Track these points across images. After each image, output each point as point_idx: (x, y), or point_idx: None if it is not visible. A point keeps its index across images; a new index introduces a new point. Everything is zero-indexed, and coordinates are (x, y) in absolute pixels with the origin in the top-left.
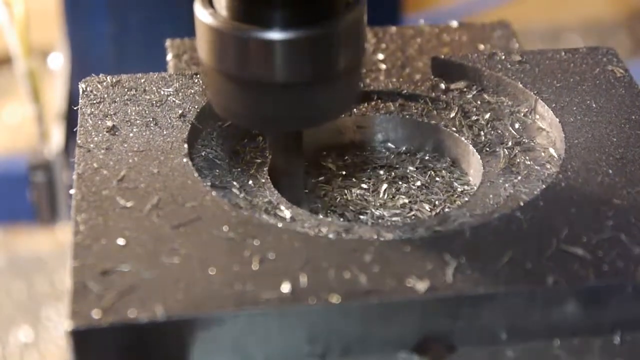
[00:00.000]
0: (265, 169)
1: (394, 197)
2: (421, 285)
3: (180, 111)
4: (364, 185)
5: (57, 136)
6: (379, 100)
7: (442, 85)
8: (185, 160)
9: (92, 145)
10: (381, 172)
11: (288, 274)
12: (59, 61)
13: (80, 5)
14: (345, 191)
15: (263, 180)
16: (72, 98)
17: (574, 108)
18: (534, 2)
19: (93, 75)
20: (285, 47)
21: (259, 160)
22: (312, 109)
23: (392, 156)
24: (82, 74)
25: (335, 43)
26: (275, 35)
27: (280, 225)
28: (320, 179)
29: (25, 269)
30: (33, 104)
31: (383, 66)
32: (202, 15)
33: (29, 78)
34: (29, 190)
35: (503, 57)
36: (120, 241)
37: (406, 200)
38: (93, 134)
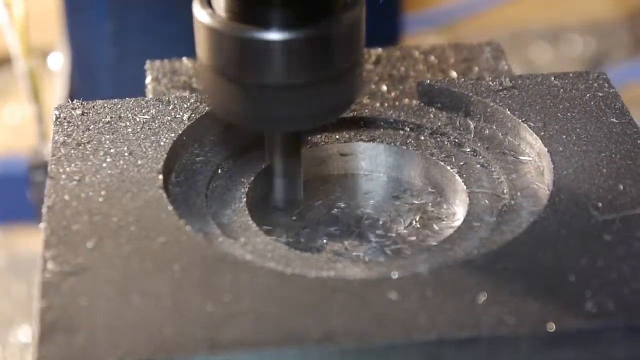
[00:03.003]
0: (244, 198)
1: (375, 228)
2: (402, 328)
3: (156, 140)
4: (346, 222)
5: None
6: (364, 127)
7: (429, 111)
8: (160, 192)
9: (63, 176)
10: (364, 200)
11: (264, 315)
12: (59, 61)
13: (80, 5)
14: (326, 218)
15: (242, 211)
16: (72, 98)
17: (564, 136)
18: (534, 2)
19: (68, 101)
20: (284, 48)
21: (237, 190)
22: (311, 109)
23: (377, 184)
24: (82, 74)
25: (334, 43)
26: (274, 35)
27: (256, 262)
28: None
29: (25, 269)
30: (33, 104)
31: (368, 90)
32: (200, 15)
33: (29, 78)
34: (29, 190)
35: (490, 81)
36: (90, 280)
37: (388, 232)
38: (65, 164)
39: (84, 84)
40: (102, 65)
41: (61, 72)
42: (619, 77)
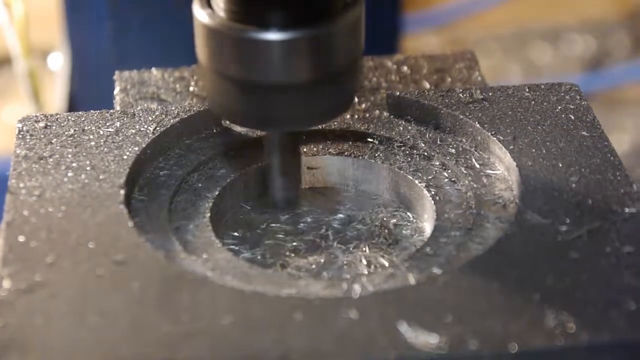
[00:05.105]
0: (207, 213)
1: (341, 243)
2: (361, 348)
3: (119, 153)
4: (311, 237)
5: None
6: (332, 139)
7: (398, 124)
8: (120, 207)
9: (23, 191)
10: (331, 214)
11: (222, 335)
12: (59, 61)
13: (80, 5)
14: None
15: (205, 227)
16: (72, 98)
17: (533, 150)
18: (534, 2)
19: (31, 114)
20: (283, 48)
21: (201, 204)
22: (311, 109)
23: (344, 198)
24: (82, 74)
25: (333, 43)
26: (273, 35)
27: (216, 280)
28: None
29: None
30: (33, 104)
31: None
32: (200, 15)
33: (29, 78)
34: None
35: (461, 93)
36: (46, 298)
37: (354, 248)
38: (25, 178)
39: (84, 84)
40: (102, 65)
41: (61, 72)
42: (619, 77)
